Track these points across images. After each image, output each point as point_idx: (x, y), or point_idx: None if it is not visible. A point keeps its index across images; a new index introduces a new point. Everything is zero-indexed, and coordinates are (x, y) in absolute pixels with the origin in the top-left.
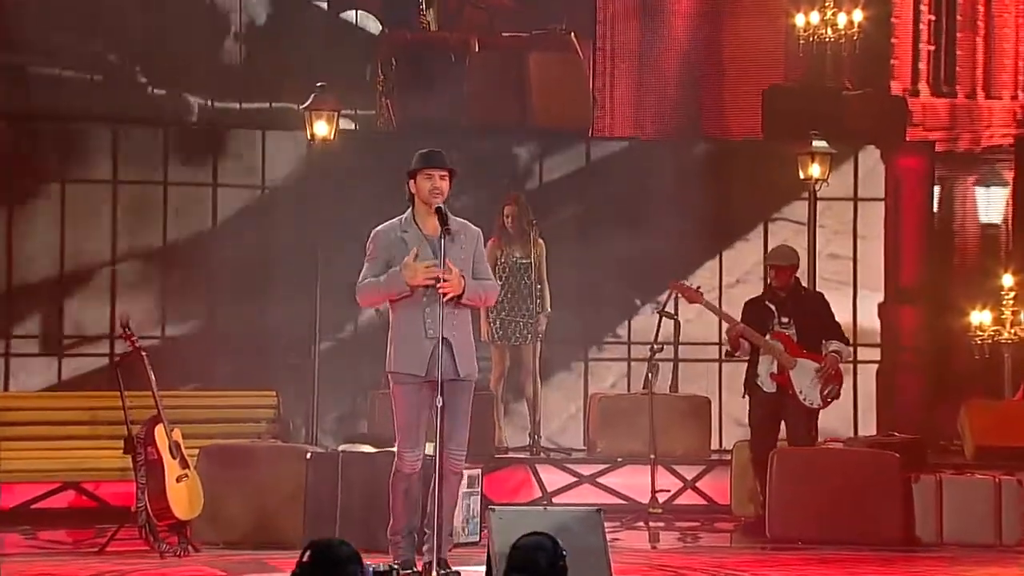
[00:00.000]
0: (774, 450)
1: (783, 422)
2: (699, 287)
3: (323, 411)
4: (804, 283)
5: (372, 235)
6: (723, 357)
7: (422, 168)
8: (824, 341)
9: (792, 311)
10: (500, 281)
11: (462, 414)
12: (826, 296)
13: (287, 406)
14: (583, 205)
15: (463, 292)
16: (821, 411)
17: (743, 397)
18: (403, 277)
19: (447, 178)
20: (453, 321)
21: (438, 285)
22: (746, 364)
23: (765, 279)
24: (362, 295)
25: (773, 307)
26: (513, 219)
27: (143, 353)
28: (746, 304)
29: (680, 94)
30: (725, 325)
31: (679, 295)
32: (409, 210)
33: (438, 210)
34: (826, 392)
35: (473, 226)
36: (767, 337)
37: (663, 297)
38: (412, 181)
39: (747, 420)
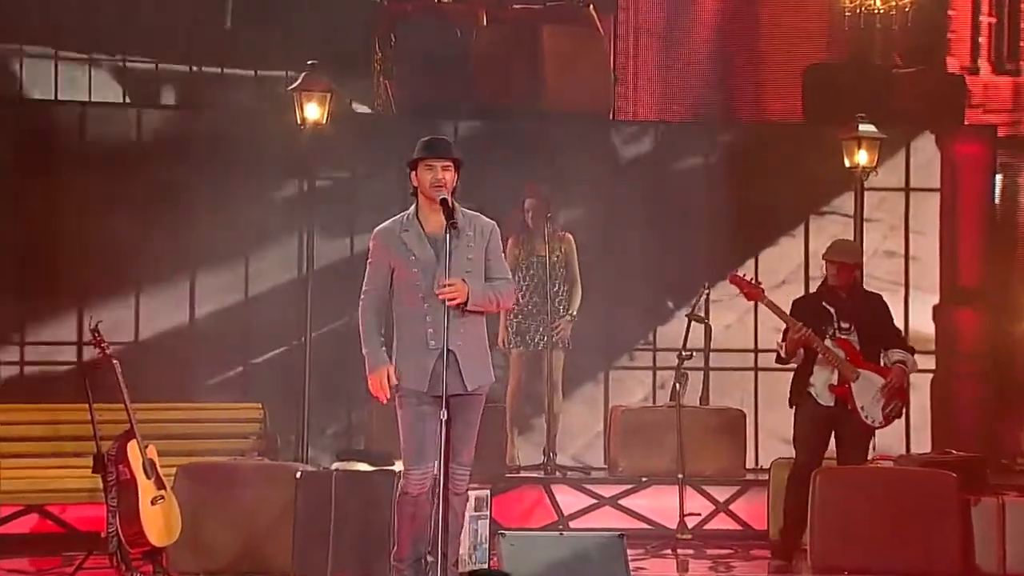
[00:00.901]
0: (818, 469)
1: (833, 439)
2: (760, 282)
3: (316, 425)
4: None
5: (373, 235)
6: (760, 365)
7: (423, 158)
8: (884, 350)
9: (853, 315)
10: (522, 282)
11: (470, 429)
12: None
13: (275, 419)
14: (603, 196)
15: (467, 299)
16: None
17: (791, 408)
18: (368, 373)
19: (451, 168)
20: (459, 329)
21: (439, 290)
22: (793, 372)
23: (806, 279)
24: (360, 320)
25: (832, 310)
26: (534, 213)
27: (115, 361)
28: (796, 304)
29: (711, 72)
30: (781, 329)
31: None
32: (413, 205)
33: (443, 202)
34: (888, 409)
35: (486, 218)
36: (827, 343)
37: (695, 300)
38: (413, 173)
39: (792, 434)
